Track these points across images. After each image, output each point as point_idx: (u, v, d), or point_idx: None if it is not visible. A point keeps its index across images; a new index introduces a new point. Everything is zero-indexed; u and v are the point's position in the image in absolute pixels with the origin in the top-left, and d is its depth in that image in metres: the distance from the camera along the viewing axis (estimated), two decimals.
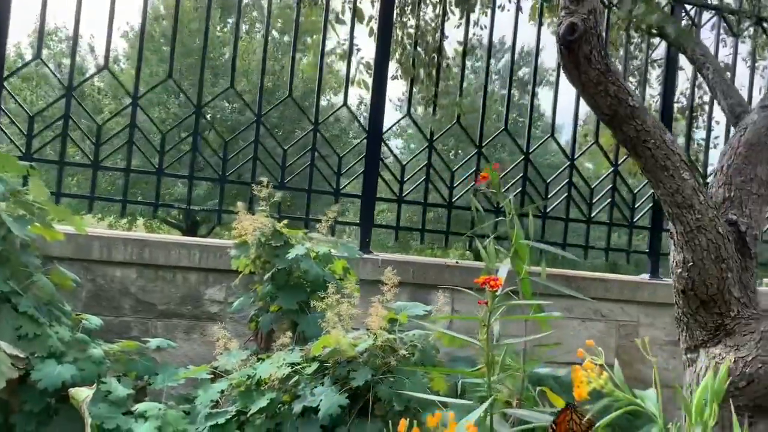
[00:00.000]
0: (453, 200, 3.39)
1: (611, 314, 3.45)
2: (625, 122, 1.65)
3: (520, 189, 3.55)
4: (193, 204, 3.27)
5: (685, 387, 1.91)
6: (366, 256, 2.96)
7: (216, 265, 2.80)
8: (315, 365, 1.90)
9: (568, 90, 3.55)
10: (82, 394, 1.82)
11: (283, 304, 2.25)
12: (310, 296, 2.32)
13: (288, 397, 1.94)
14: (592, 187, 3.69)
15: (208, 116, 2.93)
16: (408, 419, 1.78)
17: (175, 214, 16.63)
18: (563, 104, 3.75)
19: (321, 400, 1.78)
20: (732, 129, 3.89)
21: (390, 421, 1.76)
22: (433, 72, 3.35)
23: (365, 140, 3.26)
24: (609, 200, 3.70)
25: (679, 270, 1.77)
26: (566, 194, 3.62)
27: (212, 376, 2.20)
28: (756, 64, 3.92)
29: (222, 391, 2.01)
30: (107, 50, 3.06)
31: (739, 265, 1.74)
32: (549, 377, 2.02)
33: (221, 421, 1.91)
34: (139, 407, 1.98)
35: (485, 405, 1.24)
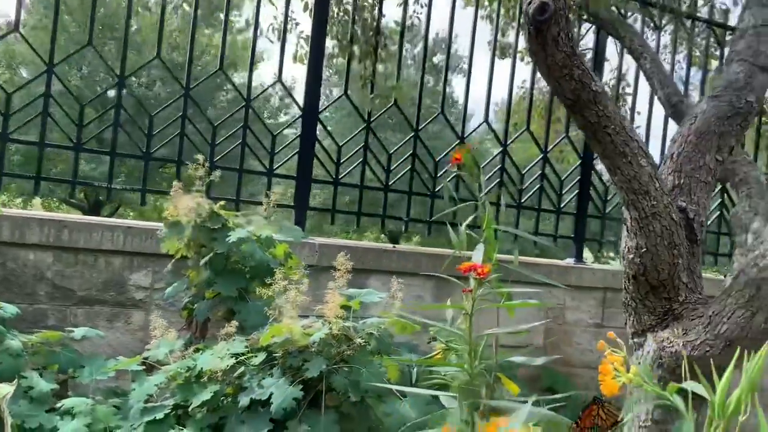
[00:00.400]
0: (390, 183, 3.33)
1: (539, 297, 3.52)
2: (587, 107, 1.64)
3: (454, 174, 3.53)
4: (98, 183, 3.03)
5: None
6: (303, 240, 2.86)
7: (142, 248, 2.62)
8: (262, 356, 1.79)
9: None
10: (1, 391, 1.63)
11: (221, 290, 2.12)
12: (250, 282, 2.20)
13: (232, 389, 1.82)
14: (523, 173, 3.74)
15: (123, 91, 2.68)
16: (364, 409, 1.72)
17: (76, 193, 15.71)
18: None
19: (271, 393, 1.68)
20: (651, 119, 3.99)
21: (346, 412, 1.69)
22: (371, 51, 3.26)
23: (300, 119, 3.14)
24: (538, 186, 3.75)
25: (631, 256, 1.79)
26: (498, 180, 3.64)
27: (144, 367, 2.05)
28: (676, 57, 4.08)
29: (158, 385, 1.87)
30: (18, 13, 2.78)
31: (687, 251, 1.78)
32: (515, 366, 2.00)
33: (159, 416, 1.77)
34: (65, 403, 1.81)
35: (467, 398, 1.19)
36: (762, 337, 1.64)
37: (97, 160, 12.88)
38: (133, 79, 14.32)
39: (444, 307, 1.35)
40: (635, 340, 1.94)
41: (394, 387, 1.59)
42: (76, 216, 2.72)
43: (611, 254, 5.87)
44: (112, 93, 2.90)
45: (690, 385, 0.74)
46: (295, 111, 3.31)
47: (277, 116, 16.90)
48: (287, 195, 3.20)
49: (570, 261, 3.80)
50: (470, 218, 1.76)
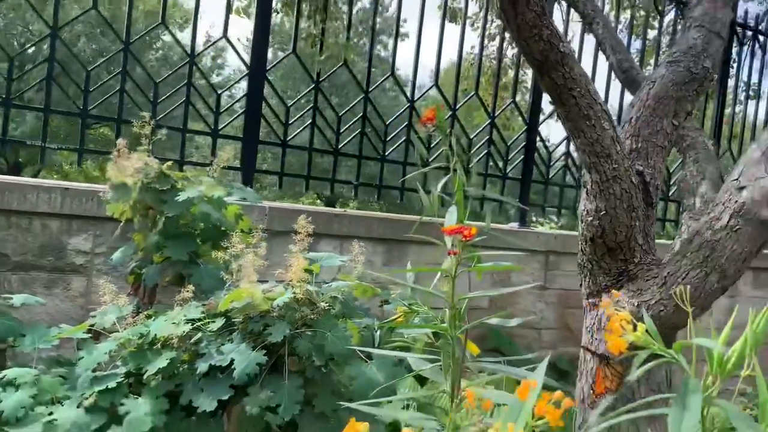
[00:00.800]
0: (339, 147, 3.27)
1: (486, 261, 3.56)
2: (555, 69, 1.63)
3: (404, 138, 3.50)
4: (31, 142, 2.84)
5: (585, 329, 2.00)
6: (252, 203, 2.77)
7: (81, 211, 2.47)
8: (221, 321, 1.73)
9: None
10: None
11: (171, 254, 2.03)
12: (201, 246, 2.12)
13: (189, 356, 1.76)
14: (471, 138, 3.75)
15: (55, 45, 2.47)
16: (329, 373, 1.69)
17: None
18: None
19: (232, 359, 1.63)
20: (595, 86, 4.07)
21: (310, 376, 1.66)
22: (321, 8, 3.16)
23: (246, 78, 3.03)
24: (486, 152, 3.78)
25: (590, 218, 1.82)
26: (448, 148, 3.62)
27: (91, 335, 1.95)
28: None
29: (108, 353, 1.78)
30: None
31: (643, 214, 1.82)
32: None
33: (111, 384, 1.69)
34: (7, 374, 1.70)
35: (452, 361, 1.18)
36: (714, 296, 1.70)
37: (18, 119, 12.16)
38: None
39: (431, 270, 1.33)
40: (590, 300, 1.98)
41: (361, 348, 1.57)
42: (8, 177, 2.54)
43: (543, 219, 6.02)
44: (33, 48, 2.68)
45: (699, 341, 0.74)
46: (228, 72, 3.18)
47: (209, 76, 16.37)
48: (232, 160, 3.09)
49: (514, 225, 3.86)
50: (443, 181, 1.74)
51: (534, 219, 5.27)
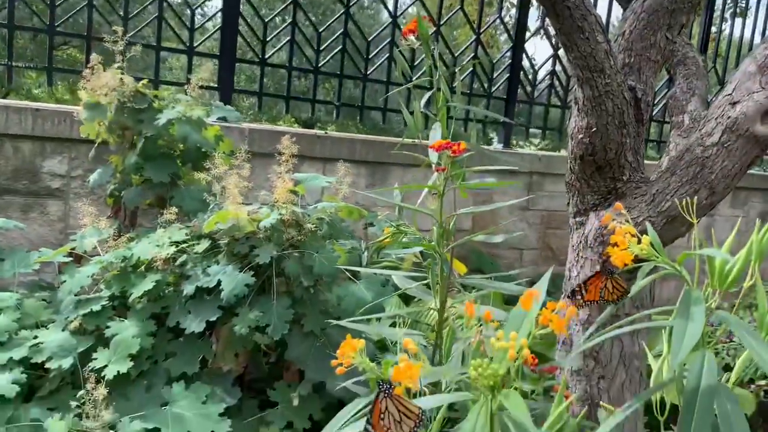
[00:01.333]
0: (319, 65, 3.16)
1: (470, 179, 3.53)
2: None
3: (386, 56, 3.40)
4: None
5: (571, 247, 2.00)
6: (231, 125, 2.69)
7: (55, 132, 2.38)
8: (206, 243, 1.70)
9: None
10: None
11: (151, 176, 1.97)
12: (181, 167, 2.06)
13: (174, 278, 1.74)
14: (455, 55, 3.65)
15: None
16: (317, 293, 1.69)
17: None
18: None
19: (219, 280, 1.61)
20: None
21: (298, 297, 1.66)
22: None
23: None
24: (470, 70, 3.69)
25: (581, 136, 1.78)
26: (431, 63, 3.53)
27: (72, 259, 1.92)
28: None
29: (92, 276, 1.76)
30: None
31: (634, 131, 1.79)
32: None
33: (96, 308, 1.67)
34: None
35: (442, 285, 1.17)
36: (702, 213, 1.70)
37: None
38: None
39: (419, 187, 1.30)
40: (577, 219, 1.97)
41: (349, 268, 1.55)
42: None
43: (525, 143, 5.98)
44: None
45: (705, 251, 0.73)
46: None
47: None
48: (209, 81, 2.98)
49: (498, 146, 3.82)
50: (425, 97, 1.69)
51: (516, 143, 5.23)
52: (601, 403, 1.74)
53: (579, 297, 0.93)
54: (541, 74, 3.98)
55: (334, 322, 1.38)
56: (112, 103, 1.98)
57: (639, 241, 0.83)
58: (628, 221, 1.80)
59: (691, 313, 0.71)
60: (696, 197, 1.68)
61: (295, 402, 1.65)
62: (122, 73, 2.04)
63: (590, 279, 0.91)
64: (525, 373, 1.16)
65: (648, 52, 1.83)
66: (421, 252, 1.72)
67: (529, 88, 3.88)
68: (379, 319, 1.66)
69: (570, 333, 1.94)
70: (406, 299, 2.42)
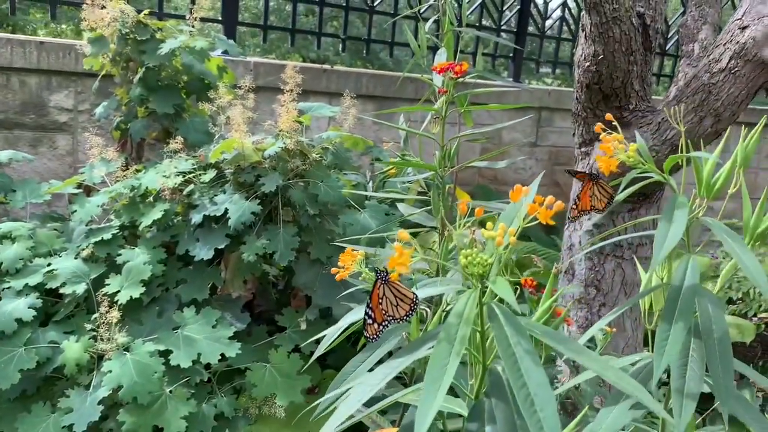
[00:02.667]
0: None
1: (478, 118, 3.51)
2: None
3: None
4: None
5: (575, 180, 2.01)
6: (236, 58, 2.67)
7: (60, 66, 2.38)
8: (212, 173, 1.72)
9: None
10: None
11: (156, 108, 1.98)
12: (185, 99, 2.06)
13: (182, 208, 1.77)
14: None
15: None
16: (323, 222, 1.71)
17: None
18: None
19: (226, 209, 1.64)
20: None
21: (304, 224, 1.68)
22: None
23: None
24: (480, 2, 3.61)
25: (587, 64, 1.76)
26: None
27: (82, 190, 1.95)
28: None
29: (101, 206, 1.79)
30: None
31: (642, 59, 1.77)
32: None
33: (107, 236, 1.71)
34: (2, 227, 1.71)
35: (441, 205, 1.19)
36: (707, 140, 1.70)
37: None
38: None
39: (418, 109, 1.30)
40: (582, 149, 1.97)
41: (355, 192, 1.57)
42: None
43: (536, 81, 5.90)
44: None
45: (694, 154, 0.74)
46: None
47: None
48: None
49: (508, 80, 3.77)
50: (430, 21, 1.66)
51: (528, 82, 5.16)
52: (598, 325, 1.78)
53: (573, 206, 0.95)
54: (552, 6, 3.89)
55: (340, 247, 1.40)
56: (113, 35, 1.97)
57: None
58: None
59: (675, 216, 0.72)
60: (701, 125, 1.67)
61: (303, 326, 1.70)
62: (125, 3, 2.02)
63: (581, 190, 0.93)
64: (525, 296, 1.19)
65: None
66: (426, 182, 1.73)
67: (540, 21, 3.80)
68: (383, 246, 1.68)
69: (572, 262, 1.97)
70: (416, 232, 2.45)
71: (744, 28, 1.60)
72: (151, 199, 1.79)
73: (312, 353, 1.68)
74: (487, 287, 0.63)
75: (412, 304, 0.74)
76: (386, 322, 0.75)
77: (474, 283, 0.63)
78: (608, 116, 0.85)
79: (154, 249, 1.71)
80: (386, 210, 1.67)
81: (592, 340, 1.91)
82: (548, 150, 3.81)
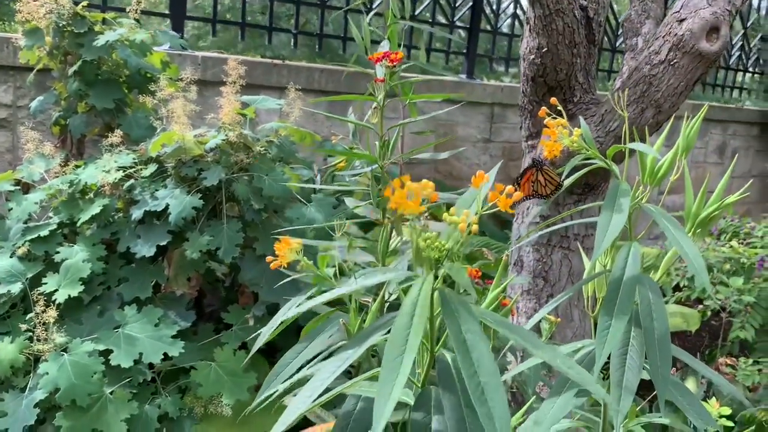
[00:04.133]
0: None
1: (430, 112, 3.51)
2: None
3: None
4: None
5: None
6: (183, 52, 2.62)
7: None
8: (153, 167, 1.68)
9: None
10: None
11: (95, 102, 1.92)
12: (127, 93, 2.01)
13: (123, 203, 1.72)
14: None
15: None
16: (268, 216, 1.68)
17: None
18: None
19: (167, 204, 1.60)
20: None
21: (249, 219, 1.65)
22: None
23: None
24: None
25: (532, 56, 1.78)
26: None
27: (19, 187, 1.88)
28: None
29: (39, 203, 1.73)
30: None
31: (585, 52, 1.79)
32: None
33: (44, 233, 1.65)
34: None
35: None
36: (649, 131, 1.73)
37: None
38: None
39: (355, 98, 1.28)
40: (529, 142, 1.99)
41: (302, 186, 1.55)
42: None
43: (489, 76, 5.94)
44: None
45: (634, 146, 0.74)
46: None
47: None
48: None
49: (462, 77, 3.79)
50: (372, 13, 1.65)
51: (485, 78, 5.19)
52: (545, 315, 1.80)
53: (516, 187, 0.94)
54: (504, 4, 3.92)
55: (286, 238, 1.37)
56: (49, 27, 1.90)
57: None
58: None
59: (618, 205, 0.73)
60: (643, 116, 1.70)
61: (251, 323, 1.67)
62: None
63: (522, 174, 0.92)
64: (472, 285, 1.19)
65: None
66: (374, 175, 1.72)
67: (492, 18, 3.82)
68: (330, 238, 1.66)
69: (521, 254, 1.98)
70: (366, 225, 2.43)
71: (682, 20, 1.63)
72: (91, 195, 1.74)
73: (259, 350, 1.65)
74: (438, 275, 0.62)
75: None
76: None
77: (427, 269, 0.61)
78: (553, 100, 0.84)
79: (93, 246, 1.66)
80: (333, 203, 1.65)
81: (538, 329, 1.93)
82: (502, 146, 3.84)
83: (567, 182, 0.86)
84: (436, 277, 0.64)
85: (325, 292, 0.90)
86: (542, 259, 1.91)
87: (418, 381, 0.78)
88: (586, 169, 0.82)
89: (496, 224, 3.88)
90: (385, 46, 1.43)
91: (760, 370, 1.93)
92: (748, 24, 5.09)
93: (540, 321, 1.86)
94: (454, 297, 0.63)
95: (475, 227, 0.63)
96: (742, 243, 2.67)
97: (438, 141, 3.58)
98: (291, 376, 0.88)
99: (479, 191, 0.69)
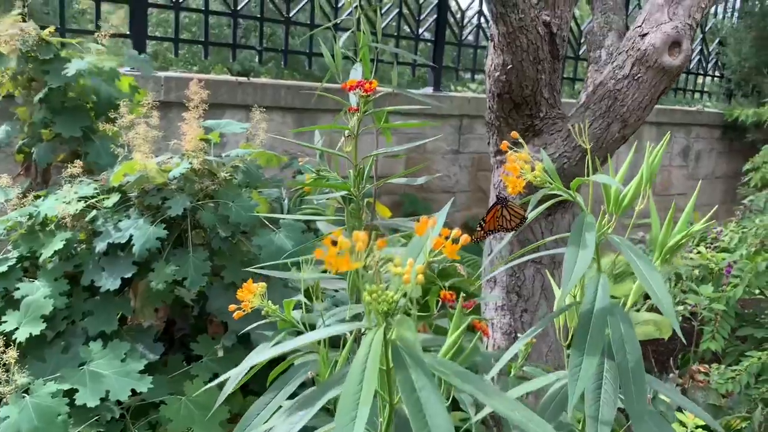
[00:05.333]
0: (238, 8, 3.04)
1: (401, 127, 3.50)
2: None
3: None
4: None
5: (493, 186, 2.02)
6: (144, 73, 2.57)
7: None
8: (116, 197, 1.63)
9: None
10: None
11: (62, 131, 1.86)
12: (95, 120, 1.96)
13: (85, 235, 1.67)
14: None
15: None
16: (236, 244, 1.65)
17: None
18: None
19: (131, 235, 1.55)
20: None
21: (216, 248, 1.62)
22: None
23: None
24: (397, 11, 3.62)
25: (497, 73, 1.77)
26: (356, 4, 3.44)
27: None
28: None
29: None
30: None
31: (550, 67, 1.79)
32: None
33: (3, 269, 1.60)
34: None
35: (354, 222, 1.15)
36: (615, 146, 1.74)
37: None
38: None
39: (330, 128, 1.26)
40: (497, 158, 1.99)
41: (268, 216, 1.52)
42: None
43: (458, 85, 5.97)
44: None
45: (597, 178, 0.73)
46: None
47: None
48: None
49: (428, 90, 3.80)
50: (345, 36, 1.64)
51: (453, 87, 5.22)
52: (517, 334, 1.79)
53: (479, 228, 0.93)
54: (469, 15, 3.94)
55: (255, 271, 1.34)
56: (14, 53, 1.85)
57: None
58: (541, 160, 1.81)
59: (583, 240, 0.72)
60: (609, 130, 1.71)
61: (220, 354, 1.64)
62: (24, 20, 1.90)
63: (489, 211, 0.91)
64: (445, 309, 1.17)
65: None
66: (345, 198, 1.70)
67: (457, 30, 3.84)
68: (299, 268, 1.63)
69: (495, 261, 1.97)
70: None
71: (644, 35, 1.65)
72: (52, 227, 1.69)
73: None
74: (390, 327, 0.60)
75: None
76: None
77: (379, 321, 0.60)
78: (514, 134, 0.83)
79: (56, 281, 1.60)
80: (302, 228, 1.62)
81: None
82: (471, 156, 3.85)
83: (533, 214, 0.85)
84: (389, 328, 0.62)
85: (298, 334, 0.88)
86: (515, 275, 1.90)
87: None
88: (550, 202, 0.81)
89: (467, 232, 3.89)
90: (357, 69, 1.42)
91: (733, 378, 1.95)
92: (707, 29, 5.20)
93: (515, 337, 1.85)
94: (407, 351, 0.61)
95: (420, 277, 0.61)
96: (709, 248, 2.70)
97: (410, 156, 3.57)
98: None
99: (425, 238, 0.67)
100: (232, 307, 0.81)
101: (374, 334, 0.60)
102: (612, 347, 0.77)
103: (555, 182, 0.76)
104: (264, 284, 0.84)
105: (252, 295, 0.83)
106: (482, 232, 0.93)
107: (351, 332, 0.90)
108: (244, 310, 0.83)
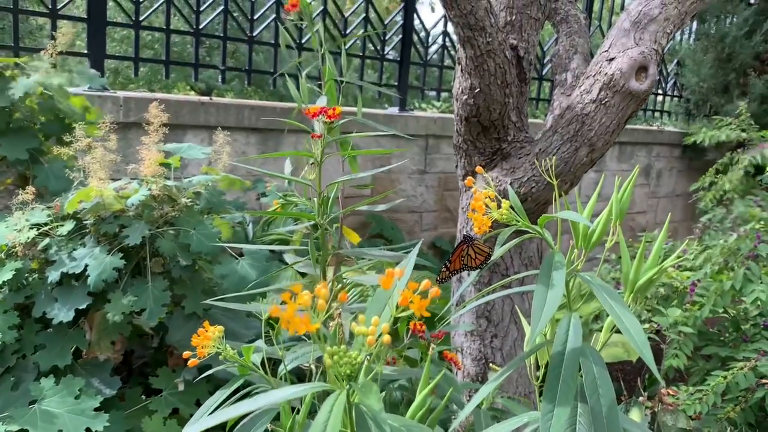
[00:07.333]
0: (201, 27, 2.98)
1: (367, 146, 3.47)
2: None
3: (273, 17, 3.25)
4: None
5: (461, 210, 2.00)
6: (104, 93, 2.50)
7: None
8: (70, 224, 1.56)
9: None
10: None
11: (7, 153, 1.78)
12: (44, 142, 1.88)
13: (37, 264, 1.59)
14: (346, 17, 3.54)
15: None
16: (197, 272, 1.59)
17: None
18: None
19: (86, 264, 1.48)
20: None
21: (176, 277, 1.55)
22: None
23: None
24: (362, 31, 3.60)
25: (465, 97, 1.76)
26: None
27: None
28: None
29: None
30: None
31: (517, 90, 1.79)
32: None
33: None
34: None
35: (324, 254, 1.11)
36: (583, 170, 1.73)
37: None
38: None
39: (294, 154, 1.22)
40: (465, 181, 1.97)
41: (231, 245, 1.47)
42: None
43: (424, 104, 6.00)
44: None
45: (564, 215, 0.70)
46: None
47: None
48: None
49: (394, 110, 3.78)
50: (311, 66, 1.60)
51: (417, 105, 5.22)
52: (490, 364, 1.76)
53: (444, 269, 0.90)
54: (434, 35, 3.95)
55: (216, 302, 1.29)
56: None
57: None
58: (509, 183, 1.80)
59: (552, 279, 0.69)
60: (577, 155, 1.70)
61: (181, 387, 1.57)
62: None
63: (455, 250, 0.88)
64: (415, 338, 1.13)
65: (529, 9, 1.82)
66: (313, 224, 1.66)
67: (422, 49, 3.84)
68: (264, 296, 1.58)
69: (463, 294, 1.94)
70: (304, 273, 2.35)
71: (611, 60, 1.65)
72: (1, 255, 1.60)
73: (191, 416, 1.54)
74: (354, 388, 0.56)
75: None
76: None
77: (341, 385, 0.55)
78: (479, 169, 0.80)
79: (5, 313, 1.52)
80: (267, 256, 1.57)
81: (485, 374, 1.88)
82: (437, 176, 3.83)
83: (498, 252, 0.82)
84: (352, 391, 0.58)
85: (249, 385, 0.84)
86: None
87: None
88: (518, 239, 0.78)
89: (436, 255, 3.86)
90: (322, 101, 1.38)
91: (700, 399, 1.95)
92: (665, 50, 5.32)
93: (485, 363, 1.82)
94: (371, 415, 0.57)
95: (386, 337, 0.58)
96: (674, 267, 2.72)
97: (377, 176, 3.54)
98: None
99: (391, 292, 0.63)
100: (186, 354, 0.76)
101: (335, 399, 0.56)
102: (585, 391, 0.74)
103: (522, 219, 0.73)
104: (221, 327, 0.79)
105: (209, 340, 0.78)
106: (447, 272, 0.90)
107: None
108: (199, 358, 0.78)
